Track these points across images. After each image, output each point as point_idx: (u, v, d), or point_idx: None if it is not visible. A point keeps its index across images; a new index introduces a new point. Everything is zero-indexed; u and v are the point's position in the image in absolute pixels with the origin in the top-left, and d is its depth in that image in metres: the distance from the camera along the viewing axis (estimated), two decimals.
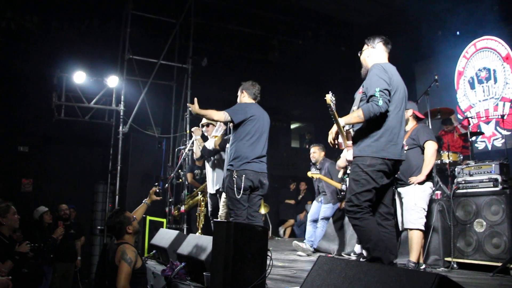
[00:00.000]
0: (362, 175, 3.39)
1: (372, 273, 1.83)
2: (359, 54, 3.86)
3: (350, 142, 3.51)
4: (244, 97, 4.90)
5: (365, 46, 3.81)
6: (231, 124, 4.78)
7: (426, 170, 4.63)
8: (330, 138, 3.59)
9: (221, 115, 4.60)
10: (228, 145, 4.84)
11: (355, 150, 3.50)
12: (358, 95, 3.67)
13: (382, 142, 3.40)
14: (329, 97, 3.27)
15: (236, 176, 4.48)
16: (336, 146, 3.62)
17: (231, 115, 4.58)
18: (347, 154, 3.51)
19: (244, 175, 4.47)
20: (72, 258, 7.68)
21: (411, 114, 4.89)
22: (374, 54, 3.73)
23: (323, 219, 6.66)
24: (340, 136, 3.54)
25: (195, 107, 4.63)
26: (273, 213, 10.84)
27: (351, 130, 3.55)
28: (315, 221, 6.76)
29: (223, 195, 5.50)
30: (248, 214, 4.62)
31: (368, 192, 3.38)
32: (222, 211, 5.48)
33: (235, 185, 4.47)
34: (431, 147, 4.66)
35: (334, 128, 3.52)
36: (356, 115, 3.41)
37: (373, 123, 3.41)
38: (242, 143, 4.59)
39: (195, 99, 4.68)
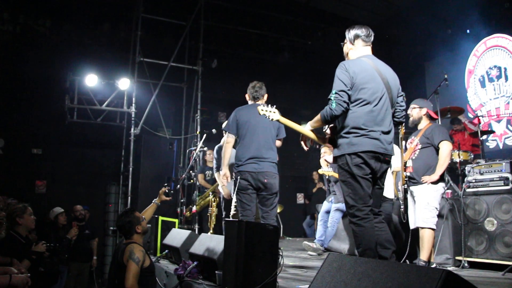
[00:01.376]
0: (346, 175, 3.39)
1: (380, 270, 1.87)
2: (342, 45, 3.82)
3: (328, 145, 3.57)
4: (249, 99, 5.02)
5: (346, 39, 3.73)
6: None
7: (440, 170, 4.64)
8: (302, 143, 3.74)
9: (227, 138, 4.85)
10: None
11: (334, 151, 3.54)
12: None
13: (352, 138, 3.36)
14: (260, 108, 3.49)
15: (234, 178, 4.67)
16: (308, 147, 3.74)
17: (226, 130, 4.88)
18: (330, 157, 3.57)
19: (239, 176, 4.62)
20: (87, 258, 7.79)
21: (425, 113, 4.89)
22: (353, 49, 3.67)
23: (333, 219, 6.68)
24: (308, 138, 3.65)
25: (227, 173, 4.80)
26: (285, 213, 10.87)
27: (328, 132, 3.61)
28: (326, 220, 6.79)
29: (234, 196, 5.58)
30: (260, 216, 4.75)
31: (358, 189, 3.33)
32: (233, 211, 5.55)
33: (233, 186, 4.67)
34: (446, 147, 4.66)
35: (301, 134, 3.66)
36: (316, 119, 3.51)
37: (342, 121, 3.43)
38: (238, 147, 4.79)
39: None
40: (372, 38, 3.68)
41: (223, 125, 5.13)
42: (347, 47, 3.71)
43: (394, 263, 1.88)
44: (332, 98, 3.33)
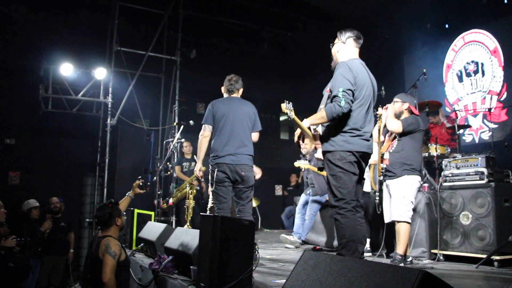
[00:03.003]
0: (336, 169, 3.49)
1: (356, 269, 1.84)
2: (330, 46, 3.89)
3: (318, 142, 3.60)
4: (224, 93, 4.98)
5: (336, 40, 3.84)
6: None
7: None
8: (295, 139, 3.76)
9: (203, 131, 4.75)
10: None
11: (323, 147, 3.60)
12: (326, 93, 3.75)
13: (347, 136, 3.49)
14: (285, 106, 3.42)
15: (211, 170, 4.62)
16: (302, 146, 3.76)
17: (203, 122, 4.76)
18: (317, 153, 3.59)
19: (216, 169, 4.58)
20: (62, 251, 7.64)
21: (407, 107, 4.89)
22: (344, 49, 3.77)
23: (311, 211, 6.67)
24: (306, 137, 3.65)
25: (200, 167, 4.83)
26: (263, 205, 10.87)
27: (318, 129, 3.63)
28: (303, 213, 6.78)
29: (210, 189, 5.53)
30: (237, 209, 4.72)
31: (347, 183, 3.47)
32: (210, 204, 5.49)
33: (211, 179, 4.62)
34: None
35: (298, 130, 3.69)
36: (319, 116, 3.52)
37: (339, 121, 3.49)
38: (214, 140, 4.73)
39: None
40: (361, 42, 3.80)
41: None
42: (338, 47, 3.81)
43: (370, 262, 1.85)
44: (340, 95, 3.38)
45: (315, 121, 3.56)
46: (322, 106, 3.72)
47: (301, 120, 3.59)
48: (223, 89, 4.95)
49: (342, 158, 3.47)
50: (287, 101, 3.42)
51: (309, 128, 3.65)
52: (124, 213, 4.29)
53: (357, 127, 3.51)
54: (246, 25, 10.98)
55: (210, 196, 5.50)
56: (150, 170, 9.15)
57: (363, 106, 3.56)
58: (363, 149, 3.54)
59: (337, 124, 3.52)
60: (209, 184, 4.68)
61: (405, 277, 1.56)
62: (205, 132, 4.73)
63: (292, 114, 3.45)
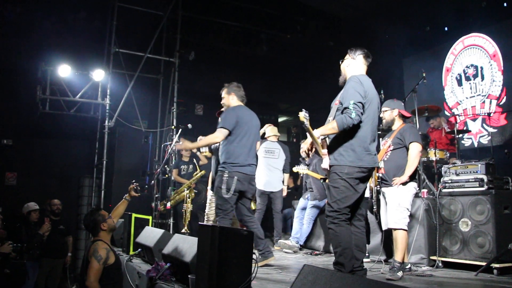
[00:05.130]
0: (341, 182, 3.57)
1: (357, 286, 1.81)
2: (340, 62, 4.02)
3: (325, 151, 3.65)
4: (233, 99, 4.97)
5: (347, 56, 3.96)
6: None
7: (409, 171, 4.63)
8: (304, 148, 3.84)
9: (220, 135, 4.71)
10: (219, 147, 4.88)
11: (331, 159, 3.67)
12: (334, 106, 3.81)
13: (358, 152, 3.59)
14: (303, 115, 3.46)
15: (227, 177, 4.60)
16: (310, 155, 3.93)
17: (226, 127, 4.69)
18: (323, 162, 3.62)
19: (236, 177, 4.60)
20: (60, 254, 7.60)
21: (397, 113, 4.88)
22: (354, 64, 3.90)
23: (309, 216, 6.66)
24: (315, 146, 3.68)
25: (187, 145, 4.94)
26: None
27: (326, 139, 3.70)
28: (302, 217, 6.77)
29: (210, 193, 5.50)
30: (244, 221, 4.80)
31: (347, 198, 3.56)
32: (209, 209, 5.47)
33: (225, 185, 4.60)
34: (415, 148, 4.65)
35: (309, 139, 3.75)
36: (330, 127, 3.58)
37: (347, 133, 3.59)
38: (234, 145, 4.70)
39: (181, 139, 4.92)
40: (370, 61, 3.93)
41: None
42: (347, 62, 3.93)
43: (371, 280, 1.82)
44: (351, 107, 3.49)
45: (326, 132, 3.63)
46: (330, 118, 3.78)
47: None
48: (234, 96, 4.93)
49: (349, 173, 3.56)
50: (305, 110, 3.48)
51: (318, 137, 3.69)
52: (110, 215, 4.32)
53: (366, 141, 3.62)
54: (244, 27, 10.94)
55: (208, 201, 5.49)
56: (148, 173, 9.12)
57: (372, 120, 3.69)
58: (372, 165, 3.67)
59: (347, 136, 3.60)
60: (220, 189, 4.63)
61: None
62: (221, 137, 4.69)
63: (307, 123, 3.49)
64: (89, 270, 3.84)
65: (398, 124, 4.89)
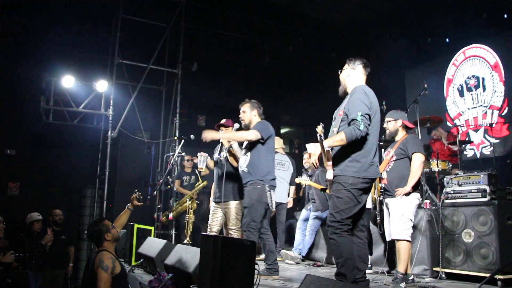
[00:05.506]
0: (345, 193, 3.58)
1: None
2: (339, 72, 4.03)
3: (330, 162, 3.64)
4: (255, 116, 5.04)
5: (346, 66, 3.97)
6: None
7: (411, 181, 4.62)
8: (312, 160, 3.77)
9: (253, 136, 4.77)
10: (244, 158, 4.90)
11: (336, 170, 3.67)
12: (338, 117, 3.81)
13: (364, 163, 3.62)
14: (320, 128, 3.50)
15: (267, 191, 4.69)
16: (317, 167, 3.85)
17: (262, 134, 4.77)
18: (328, 174, 3.63)
19: (272, 191, 4.73)
20: (62, 265, 7.58)
21: (401, 124, 4.89)
22: (354, 75, 3.92)
23: (312, 227, 6.64)
24: (324, 157, 3.70)
25: (214, 134, 4.78)
26: None
27: (330, 150, 3.69)
28: (304, 229, 6.75)
29: (212, 205, 5.49)
30: (261, 233, 4.77)
31: (350, 209, 3.57)
32: (211, 220, 5.44)
33: (266, 199, 4.69)
34: (418, 159, 4.65)
35: (318, 151, 3.71)
36: (339, 139, 3.58)
37: (354, 145, 3.60)
38: (267, 159, 4.80)
39: (210, 133, 4.78)
40: (369, 70, 3.95)
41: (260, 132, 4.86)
42: (347, 72, 3.94)
43: None
44: (358, 119, 3.51)
45: (334, 144, 3.63)
46: (335, 129, 3.78)
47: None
48: (256, 113, 5.02)
49: (353, 184, 3.57)
50: (322, 124, 3.54)
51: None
52: (114, 225, 4.29)
53: (371, 152, 3.65)
54: (247, 39, 11.00)
55: (212, 212, 5.47)
56: (150, 183, 9.11)
57: (376, 132, 3.73)
58: (375, 176, 3.71)
59: (352, 147, 3.61)
60: (261, 203, 4.66)
61: None
62: (253, 137, 4.76)
63: (323, 137, 3.53)
64: (98, 282, 3.80)
65: (401, 135, 4.89)
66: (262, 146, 4.80)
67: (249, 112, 5.03)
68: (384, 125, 4.93)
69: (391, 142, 5.08)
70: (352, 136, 3.51)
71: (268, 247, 4.73)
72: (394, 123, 4.89)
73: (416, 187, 4.71)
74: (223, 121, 5.58)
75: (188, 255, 3.85)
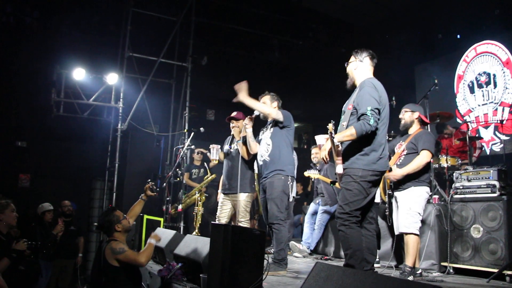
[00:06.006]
0: (354, 185, 3.61)
1: (369, 282, 1.83)
2: (345, 65, 4.01)
3: (339, 157, 3.69)
4: (275, 108, 5.00)
5: (352, 58, 3.96)
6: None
7: (407, 169, 4.60)
8: (323, 155, 3.79)
9: (273, 111, 4.78)
10: (266, 147, 4.86)
11: (346, 163, 3.70)
12: (347, 111, 3.82)
13: (374, 156, 3.64)
14: (331, 126, 3.55)
15: (290, 182, 4.67)
16: (327, 161, 3.86)
17: (285, 117, 4.76)
18: (337, 168, 3.65)
19: (294, 181, 4.75)
20: (71, 255, 7.66)
21: (417, 117, 4.85)
22: (361, 67, 3.91)
23: (321, 221, 6.66)
24: (334, 152, 3.72)
25: (243, 95, 4.65)
26: None
27: (340, 145, 3.71)
28: (312, 222, 6.77)
29: (221, 196, 5.51)
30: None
31: (359, 201, 3.60)
32: (220, 212, 5.46)
33: (288, 190, 4.67)
34: (424, 156, 4.59)
35: (328, 146, 3.73)
36: (349, 133, 3.59)
37: (363, 139, 3.62)
38: (289, 150, 4.79)
39: (245, 83, 4.68)
40: (376, 61, 3.94)
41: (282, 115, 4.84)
42: (355, 65, 3.92)
43: (383, 276, 1.84)
44: (368, 114, 3.52)
45: (344, 138, 3.64)
46: (344, 123, 3.78)
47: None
48: (274, 104, 5.00)
49: (363, 176, 3.60)
50: (333, 122, 3.58)
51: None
52: (125, 216, 4.28)
53: (380, 145, 3.66)
54: (257, 33, 11.01)
55: (220, 203, 5.51)
56: (160, 176, 9.18)
57: (386, 125, 3.74)
58: (384, 168, 3.72)
59: (361, 141, 3.63)
60: (284, 194, 4.63)
61: None
62: (274, 115, 4.74)
63: (333, 134, 3.56)
64: (132, 261, 3.84)
65: (415, 128, 4.86)
66: (285, 135, 4.79)
67: (269, 104, 5.00)
68: (400, 116, 4.92)
69: (403, 133, 5.06)
70: (362, 131, 3.51)
71: (281, 238, 4.65)
72: (410, 114, 4.85)
73: (426, 181, 4.71)
74: (234, 114, 5.58)
75: (198, 244, 3.89)
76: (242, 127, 5.38)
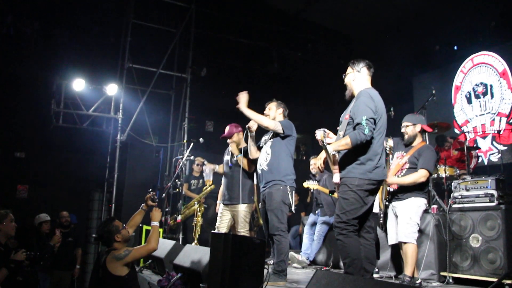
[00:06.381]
0: (351, 194, 3.61)
1: None
2: (343, 77, 4.02)
3: (336, 166, 3.69)
4: (280, 114, 5.00)
5: (349, 70, 3.97)
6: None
7: (402, 181, 4.67)
8: (318, 164, 3.89)
9: (271, 123, 4.73)
10: (265, 157, 4.85)
11: (342, 173, 3.71)
12: (344, 120, 3.84)
13: (370, 166, 3.65)
14: (321, 134, 3.59)
15: (289, 192, 4.61)
16: (322, 171, 3.85)
17: (283, 126, 4.72)
18: (334, 177, 3.67)
19: (293, 191, 4.66)
20: (69, 266, 7.61)
21: (420, 129, 4.86)
22: (359, 78, 3.92)
23: (320, 232, 6.66)
24: (329, 161, 3.74)
25: (243, 105, 4.67)
26: None
27: (336, 154, 3.72)
28: (312, 233, 6.77)
29: (221, 207, 5.51)
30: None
31: (356, 210, 3.60)
32: (219, 222, 5.46)
33: (289, 200, 4.61)
34: (422, 174, 4.60)
35: (323, 154, 3.81)
36: (344, 143, 3.62)
37: (359, 148, 3.63)
38: (289, 160, 4.73)
39: (245, 96, 4.69)
40: (373, 71, 3.95)
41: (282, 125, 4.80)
42: (352, 76, 3.93)
43: (383, 282, 1.85)
44: (363, 123, 3.54)
45: (339, 148, 3.66)
46: (341, 132, 3.80)
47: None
48: (280, 110, 5.00)
49: (359, 185, 3.61)
50: (323, 129, 3.63)
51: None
52: (124, 225, 4.24)
53: (376, 155, 3.67)
54: (256, 44, 11.09)
55: (220, 214, 5.51)
56: (159, 187, 9.17)
57: (382, 134, 3.75)
58: (381, 178, 3.72)
59: (357, 151, 3.65)
60: (284, 204, 4.59)
61: None
62: (272, 127, 4.70)
63: (326, 141, 3.57)
64: (142, 253, 3.89)
65: (418, 141, 4.85)
66: (284, 146, 4.74)
67: (274, 110, 5.00)
68: (402, 130, 4.91)
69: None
70: (357, 140, 3.54)
71: (282, 250, 4.58)
72: (412, 128, 4.84)
73: (424, 191, 4.72)
74: (226, 130, 5.60)
75: (197, 254, 3.89)
76: (238, 141, 5.46)
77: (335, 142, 3.70)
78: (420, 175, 4.61)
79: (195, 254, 3.96)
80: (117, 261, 3.80)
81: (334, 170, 3.71)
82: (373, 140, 3.66)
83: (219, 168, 5.80)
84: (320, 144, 3.59)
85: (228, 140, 5.55)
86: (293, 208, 4.70)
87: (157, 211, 4.18)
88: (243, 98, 4.70)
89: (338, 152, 3.72)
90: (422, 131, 4.92)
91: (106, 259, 3.88)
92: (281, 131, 4.70)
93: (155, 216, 4.15)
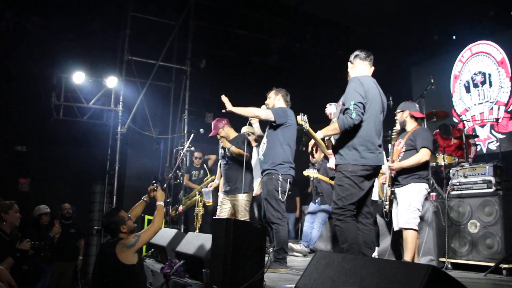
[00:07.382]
0: (345, 180, 3.67)
1: (367, 266, 1.90)
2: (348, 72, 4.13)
3: (330, 151, 3.71)
4: (279, 100, 4.99)
5: (349, 63, 4.09)
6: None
7: (406, 163, 4.72)
8: (309, 149, 3.96)
9: (263, 112, 4.72)
10: (262, 146, 4.89)
11: (337, 158, 3.79)
12: (338, 107, 3.92)
13: (360, 151, 3.68)
14: (300, 118, 3.69)
15: (282, 180, 4.57)
16: (314, 156, 3.90)
17: (275, 116, 4.68)
18: (330, 162, 3.74)
19: (288, 179, 4.61)
20: (71, 258, 7.68)
21: (407, 115, 4.96)
22: (354, 68, 4.01)
23: (320, 220, 6.71)
24: (319, 147, 3.79)
25: (229, 105, 4.70)
26: None
27: (331, 139, 3.79)
28: (312, 222, 6.82)
29: (221, 196, 5.59)
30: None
31: (352, 196, 3.65)
32: (219, 211, 5.53)
33: (280, 188, 4.55)
34: (424, 154, 4.69)
35: (312, 141, 3.89)
36: (332, 128, 3.74)
37: (349, 133, 3.69)
38: (285, 148, 4.65)
39: (226, 99, 4.73)
40: (371, 59, 4.00)
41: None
42: (350, 67, 4.05)
43: (381, 260, 1.91)
44: (351, 108, 3.59)
45: (328, 133, 3.76)
46: (335, 119, 3.88)
47: (315, 131, 3.71)
48: (282, 99, 4.98)
49: (353, 171, 3.65)
50: (302, 114, 3.61)
51: (322, 139, 3.79)
52: (130, 216, 4.25)
53: (368, 140, 3.69)
54: (255, 36, 11.07)
55: (220, 203, 5.58)
56: (160, 178, 9.22)
57: (374, 119, 3.76)
58: (376, 163, 3.74)
59: (349, 136, 3.69)
60: (277, 192, 4.57)
61: (415, 273, 1.63)
62: (263, 116, 4.70)
63: (307, 126, 3.63)
64: (150, 235, 3.92)
65: (411, 125, 4.98)
66: (279, 134, 4.69)
67: (273, 98, 5.02)
68: (395, 117, 5.02)
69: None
70: (345, 124, 3.60)
71: (280, 238, 4.59)
72: (401, 114, 4.99)
73: (425, 178, 4.79)
74: (212, 129, 5.76)
75: (199, 241, 3.95)
76: (226, 135, 5.65)
77: (325, 128, 3.79)
78: (422, 154, 4.69)
79: (197, 241, 4.02)
80: (128, 249, 3.79)
81: (329, 155, 3.78)
82: (363, 125, 3.69)
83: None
84: (298, 128, 3.66)
85: (218, 137, 5.65)
86: (281, 195, 4.58)
87: (161, 192, 4.22)
88: (226, 100, 4.73)
89: (329, 137, 3.80)
90: (413, 117, 4.99)
91: (116, 250, 3.83)
92: (273, 119, 4.68)
93: (159, 196, 4.22)
